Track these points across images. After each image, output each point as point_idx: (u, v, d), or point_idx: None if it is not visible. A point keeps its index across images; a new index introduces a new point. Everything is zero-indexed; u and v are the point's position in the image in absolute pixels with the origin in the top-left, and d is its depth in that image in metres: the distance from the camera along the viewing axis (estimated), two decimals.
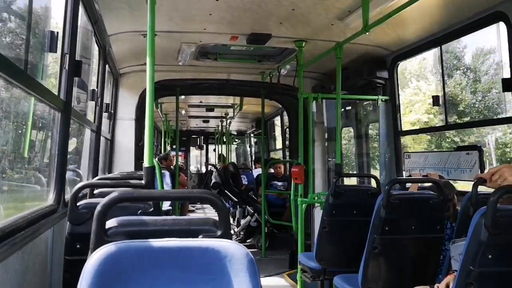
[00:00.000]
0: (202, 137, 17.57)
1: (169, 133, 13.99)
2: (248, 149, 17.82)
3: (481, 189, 3.08)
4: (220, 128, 15.67)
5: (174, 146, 12.22)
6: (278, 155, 12.83)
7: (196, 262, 1.45)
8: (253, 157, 16.43)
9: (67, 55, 3.11)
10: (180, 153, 15.41)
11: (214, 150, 18.92)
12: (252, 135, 16.38)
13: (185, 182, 9.86)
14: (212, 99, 10.55)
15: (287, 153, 10.63)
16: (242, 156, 18.99)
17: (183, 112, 11.68)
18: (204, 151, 19.89)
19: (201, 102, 10.70)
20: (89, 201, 2.71)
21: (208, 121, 14.72)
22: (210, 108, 11.73)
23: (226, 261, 1.45)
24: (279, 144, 12.93)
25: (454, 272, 2.76)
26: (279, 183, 9.71)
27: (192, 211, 14.31)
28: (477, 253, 2.26)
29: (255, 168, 11.67)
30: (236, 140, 16.00)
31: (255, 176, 11.14)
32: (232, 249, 1.46)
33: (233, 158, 18.16)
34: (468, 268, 2.29)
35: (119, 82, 6.54)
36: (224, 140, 16.13)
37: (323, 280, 4.76)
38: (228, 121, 13.58)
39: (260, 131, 13.86)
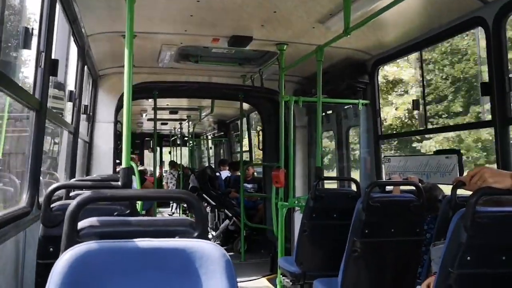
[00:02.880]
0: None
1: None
2: (206, 151, 17.72)
3: (460, 192, 3.10)
4: (178, 130, 15.57)
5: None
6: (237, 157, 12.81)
7: (171, 263, 1.40)
8: (211, 160, 16.33)
9: (43, 53, 3.04)
10: (133, 156, 15.28)
11: (170, 152, 18.78)
12: (210, 137, 16.27)
13: (152, 187, 9.77)
14: (176, 102, 10.43)
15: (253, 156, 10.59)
16: (197, 159, 18.84)
17: (144, 115, 11.59)
18: (157, 154, 19.67)
19: (167, 104, 10.59)
20: (63, 203, 2.64)
21: (166, 124, 14.61)
22: (174, 111, 11.63)
23: (202, 261, 1.40)
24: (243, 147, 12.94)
25: (435, 273, 2.76)
26: (249, 185, 9.67)
27: None
28: (456, 254, 2.26)
29: (221, 170, 11.57)
30: (191, 142, 15.90)
31: (223, 178, 11.07)
32: (209, 249, 1.42)
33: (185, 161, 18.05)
34: (447, 270, 2.28)
35: (98, 84, 6.43)
36: (178, 142, 16.10)
37: (303, 284, 4.73)
38: (192, 123, 13.50)
39: (221, 133, 13.87)
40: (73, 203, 1.52)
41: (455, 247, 2.27)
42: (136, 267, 1.38)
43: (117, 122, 6.57)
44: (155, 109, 7.76)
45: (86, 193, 1.55)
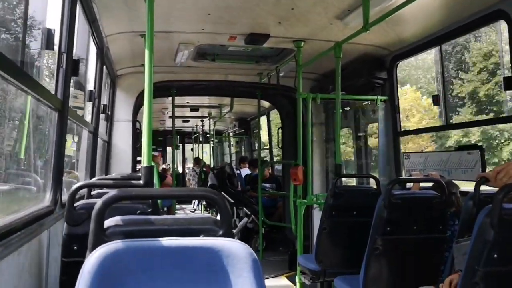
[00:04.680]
0: (178, 137, 17.57)
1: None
2: (227, 149, 17.81)
3: (483, 188, 3.05)
4: (200, 128, 15.67)
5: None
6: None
7: (198, 261, 1.40)
8: (233, 157, 16.41)
9: (64, 54, 3.07)
10: (156, 153, 15.45)
11: (192, 149, 18.87)
12: (231, 134, 16.33)
13: (171, 184, 9.87)
14: (197, 99, 10.51)
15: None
16: (219, 156, 18.91)
17: (166, 112, 11.68)
18: (180, 151, 19.83)
19: (187, 102, 10.66)
20: (86, 202, 2.67)
21: (188, 121, 14.70)
22: (194, 108, 11.72)
23: (229, 260, 1.40)
24: (263, 144, 12.92)
25: (459, 271, 2.73)
26: (267, 185, 9.67)
27: None
28: (482, 252, 2.23)
29: (241, 168, 11.60)
30: (213, 140, 16.02)
31: (243, 176, 11.09)
32: (235, 248, 1.42)
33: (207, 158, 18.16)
34: (474, 268, 2.25)
35: (116, 84, 6.49)
36: (201, 140, 16.17)
37: (323, 281, 4.72)
38: (213, 121, 13.54)
39: (242, 130, 13.90)
40: (99, 202, 1.53)
41: (481, 245, 2.24)
42: (163, 265, 1.38)
43: (136, 121, 6.63)
44: (173, 107, 7.83)
45: (112, 192, 1.56)
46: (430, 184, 4.02)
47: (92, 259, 1.34)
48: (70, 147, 4.47)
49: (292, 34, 5.08)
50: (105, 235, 1.52)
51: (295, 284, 5.86)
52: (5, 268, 2.01)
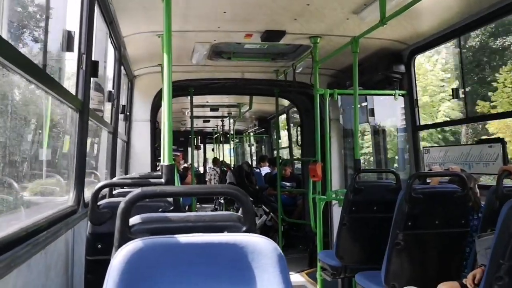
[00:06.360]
0: (200, 137, 17.67)
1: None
2: (248, 148, 17.83)
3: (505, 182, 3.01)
4: (220, 127, 15.71)
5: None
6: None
7: (224, 257, 1.41)
8: (253, 157, 16.43)
9: (84, 55, 3.11)
10: (178, 153, 15.46)
11: (213, 149, 19.01)
12: (252, 134, 16.32)
13: (191, 183, 9.95)
14: (217, 99, 10.54)
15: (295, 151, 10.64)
16: (241, 156, 18.98)
17: (187, 112, 11.75)
18: (201, 151, 19.96)
19: (207, 102, 10.70)
20: (109, 201, 2.70)
21: (208, 121, 14.74)
22: (214, 108, 11.76)
23: (254, 256, 1.41)
24: (284, 143, 12.92)
25: (482, 266, 2.70)
26: (287, 184, 9.68)
27: None
28: (507, 246, 2.20)
29: (261, 167, 11.64)
30: (233, 139, 16.09)
31: (263, 175, 11.13)
32: (261, 243, 1.42)
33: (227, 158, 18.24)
34: (498, 261, 2.23)
35: (134, 84, 6.55)
36: (222, 140, 16.29)
37: (344, 277, 4.71)
38: (232, 120, 13.57)
39: (263, 130, 13.94)
40: (124, 200, 1.55)
41: (506, 238, 2.21)
42: (189, 261, 1.40)
43: (155, 121, 6.67)
44: (191, 106, 7.87)
45: (137, 190, 1.58)
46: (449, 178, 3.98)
47: (119, 256, 1.36)
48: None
49: (308, 30, 5.07)
50: (130, 232, 1.54)
51: (315, 281, 5.85)
52: (34, 265, 2.06)
